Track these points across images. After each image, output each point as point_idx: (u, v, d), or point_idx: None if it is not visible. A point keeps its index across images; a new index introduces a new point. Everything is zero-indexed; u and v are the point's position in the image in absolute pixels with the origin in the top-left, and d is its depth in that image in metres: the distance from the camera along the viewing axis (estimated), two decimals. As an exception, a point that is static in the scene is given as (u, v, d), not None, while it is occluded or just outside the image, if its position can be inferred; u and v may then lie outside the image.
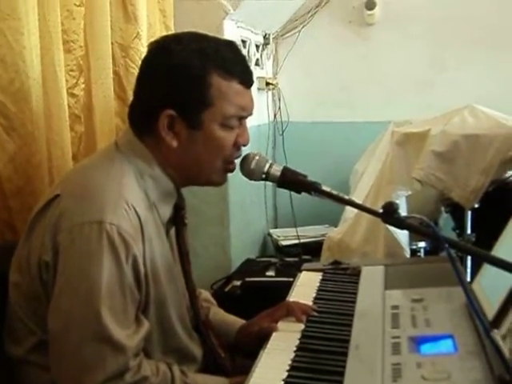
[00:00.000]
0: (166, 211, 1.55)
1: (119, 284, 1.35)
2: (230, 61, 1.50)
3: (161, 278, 1.49)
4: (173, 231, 1.64)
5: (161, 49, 1.52)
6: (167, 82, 1.47)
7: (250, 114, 1.57)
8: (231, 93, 1.49)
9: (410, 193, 2.68)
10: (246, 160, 1.57)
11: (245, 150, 1.60)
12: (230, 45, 1.55)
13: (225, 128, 1.51)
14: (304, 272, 1.88)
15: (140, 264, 1.40)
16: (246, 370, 1.31)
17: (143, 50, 2.19)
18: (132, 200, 1.42)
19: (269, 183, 1.64)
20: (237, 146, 1.55)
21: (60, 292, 1.35)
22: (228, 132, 1.51)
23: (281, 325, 1.52)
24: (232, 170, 1.58)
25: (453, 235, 2.94)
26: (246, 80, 1.54)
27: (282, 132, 4.26)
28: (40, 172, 1.70)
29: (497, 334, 1.14)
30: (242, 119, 1.55)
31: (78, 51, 1.98)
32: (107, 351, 1.32)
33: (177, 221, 1.64)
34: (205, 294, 1.89)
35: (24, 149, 1.64)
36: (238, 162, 1.59)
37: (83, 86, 2.03)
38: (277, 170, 1.54)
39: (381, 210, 1.34)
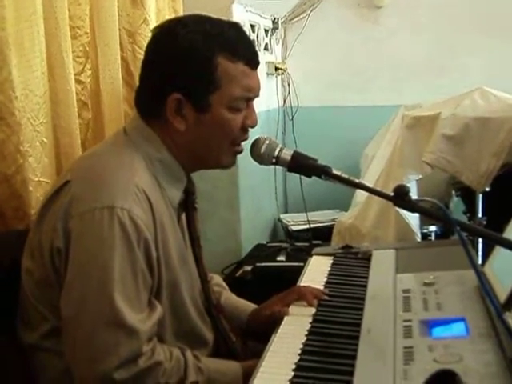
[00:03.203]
0: (176, 195, 1.55)
1: (131, 269, 1.35)
2: (236, 42, 1.50)
3: (173, 261, 1.50)
4: (183, 216, 1.65)
5: (165, 33, 1.52)
6: (173, 65, 1.47)
7: (257, 96, 1.56)
8: (238, 74, 1.49)
9: (420, 176, 2.67)
10: (256, 144, 1.56)
11: (255, 135, 1.60)
12: (235, 26, 1.54)
13: (232, 110, 1.51)
14: (315, 256, 1.88)
15: (152, 248, 1.40)
16: (258, 355, 1.31)
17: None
18: (142, 184, 1.42)
19: (279, 168, 1.63)
20: (244, 128, 1.55)
21: (72, 278, 1.36)
22: (235, 114, 1.51)
23: (292, 309, 1.52)
24: (240, 152, 1.59)
25: (464, 219, 2.92)
26: (252, 61, 1.53)
27: (292, 117, 4.25)
28: (28, 160, 1.68)
29: (509, 317, 1.14)
30: (249, 101, 1.54)
31: (84, 37, 1.98)
32: (121, 336, 1.32)
33: (187, 205, 1.64)
34: (217, 279, 1.89)
35: (13, 137, 1.63)
36: (247, 146, 1.59)
37: (90, 72, 2.03)
38: (287, 154, 1.54)
39: (392, 194, 1.34)
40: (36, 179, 1.70)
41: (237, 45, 1.50)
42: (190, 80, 1.47)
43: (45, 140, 1.74)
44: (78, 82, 1.95)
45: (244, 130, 1.55)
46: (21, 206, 1.68)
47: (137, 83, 1.60)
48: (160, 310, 1.43)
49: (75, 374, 1.37)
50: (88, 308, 1.33)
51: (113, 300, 1.31)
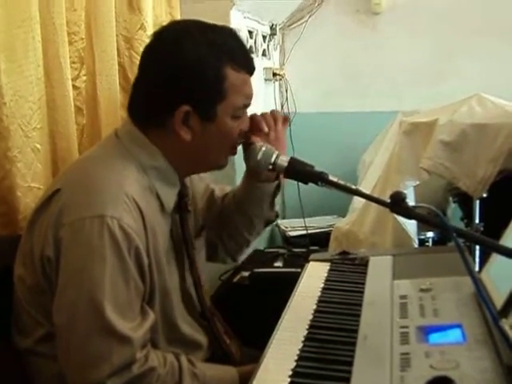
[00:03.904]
0: (171, 200, 1.56)
1: (123, 277, 1.35)
2: (238, 51, 1.52)
3: (164, 268, 1.50)
4: (177, 220, 1.65)
5: (171, 44, 1.50)
6: (184, 79, 1.47)
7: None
8: (241, 84, 1.51)
9: (417, 183, 2.67)
10: (252, 151, 1.57)
11: (251, 142, 1.60)
12: (233, 33, 1.55)
13: (234, 118, 1.53)
14: (312, 262, 1.87)
15: (143, 256, 1.40)
16: (254, 360, 1.31)
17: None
18: (133, 192, 1.42)
19: (276, 174, 1.64)
20: (239, 133, 1.56)
21: (63, 287, 1.36)
22: (237, 121, 1.53)
23: (289, 315, 1.51)
24: (234, 154, 1.60)
25: (461, 225, 2.92)
26: (252, 68, 1.56)
27: (289, 123, 4.24)
28: (17, 166, 1.68)
29: (505, 324, 1.13)
30: (246, 107, 1.56)
31: (80, 43, 1.98)
32: (113, 344, 1.32)
33: (180, 208, 1.64)
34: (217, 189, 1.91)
35: (1, 143, 1.63)
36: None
37: (85, 78, 2.03)
38: (284, 161, 1.54)
39: (389, 200, 1.34)
40: (26, 185, 1.70)
41: (239, 54, 1.51)
42: (200, 93, 1.47)
43: (38, 146, 1.74)
44: (73, 87, 1.96)
45: (239, 135, 1.56)
46: (8, 211, 1.67)
47: (135, 89, 1.59)
48: (152, 317, 1.43)
49: (68, 381, 1.37)
50: (79, 317, 1.33)
51: (103, 310, 1.31)
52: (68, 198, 1.41)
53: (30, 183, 1.71)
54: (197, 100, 1.47)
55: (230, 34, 1.53)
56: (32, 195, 1.70)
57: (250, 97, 1.55)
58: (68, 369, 1.37)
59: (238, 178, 3.24)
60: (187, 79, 1.47)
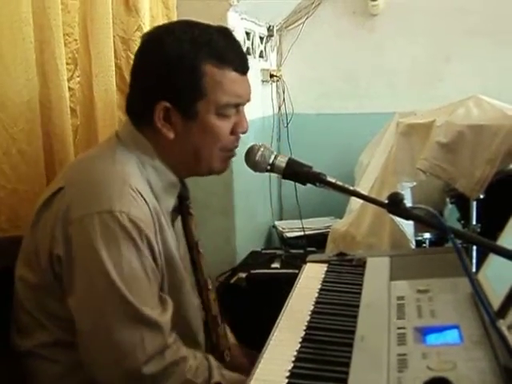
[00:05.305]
0: (170, 202, 1.56)
1: (141, 267, 1.37)
2: (223, 48, 1.50)
3: (176, 261, 1.50)
4: (180, 223, 1.64)
5: (153, 41, 1.52)
6: (161, 74, 1.47)
7: (248, 101, 1.57)
8: (225, 81, 1.49)
9: (414, 184, 2.67)
10: (250, 152, 1.57)
11: (249, 142, 1.60)
12: (223, 31, 1.54)
13: (220, 117, 1.51)
14: (309, 263, 1.87)
15: (154, 244, 1.41)
16: (252, 361, 1.31)
17: (145, 43, 2.19)
18: (137, 185, 1.42)
19: (274, 175, 1.63)
20: (235, 134, 1.55)
21: (82, 289, 1.36)
22: (224, 121, 1.51)
23: (286, 317, 1.51)
24: (231, 157, 1.59)
25: (458, 226, 2.92)
26: (241, 67, 1.53)
27: (287, 124, 4.25)
28: (1, 167, 1.68)
29: (502, 325, 1.13)
30: (238, 107, 1.54)
31: (73, 44, 1.99)
32: (144, 331, 1.34)
33: (182, 211, 1.64)
34: None
35: None
36: (242, 152, 1.59)
37: (78, 79, 2.04)
38: (282, 162, 1.54)
39: (386, 201, 1.34)
40: (10, 186, 1.69)
41: (225, 51, 1.49)
42: (177, 88, 1.47)
43: (25, 147, 1.73)
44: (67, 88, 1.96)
45: (235, 136, 1.55)
46: None
47: (131, 90, 1.60)
48: (172, 304, 1.43)
49: (100, 378, 1.37)
50: (106, 314, 1.34)
51: (128, 299, 1.33)
52: (74, 194, 1.41)
53: (15, 185, 1.71)
54: (175, 96, 1.47)
55: (219, 32, 1.52)
56: (17, 197, 1.71)
57: (241, 96, 1.53)
58: (100, 365, 1.37)
59: (236, 186, 3.28)
60: (165, 75, 1.47)
